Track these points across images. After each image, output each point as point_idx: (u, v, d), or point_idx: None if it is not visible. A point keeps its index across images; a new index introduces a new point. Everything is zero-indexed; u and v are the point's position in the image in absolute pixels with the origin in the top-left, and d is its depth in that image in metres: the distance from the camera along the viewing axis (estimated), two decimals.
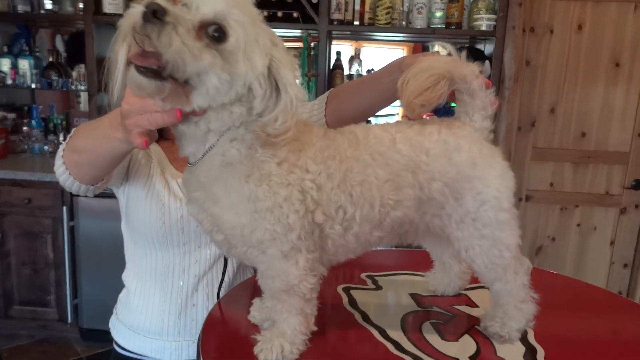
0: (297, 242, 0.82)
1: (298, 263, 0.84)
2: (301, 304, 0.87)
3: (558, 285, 1.28)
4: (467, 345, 0.94)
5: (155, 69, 0.70)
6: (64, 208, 2.86)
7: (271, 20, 2.94)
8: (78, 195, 1.28)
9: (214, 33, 0.72)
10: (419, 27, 2.92)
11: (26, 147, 3.32)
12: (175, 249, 1.23)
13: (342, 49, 3.37)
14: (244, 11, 0.75)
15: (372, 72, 1.20)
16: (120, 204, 1.30)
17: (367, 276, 1.23)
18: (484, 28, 2.87)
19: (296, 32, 3.06)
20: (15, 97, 3.51)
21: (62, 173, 1.07)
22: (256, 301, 1.00)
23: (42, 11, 3.11)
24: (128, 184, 1.24)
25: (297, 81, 0.77)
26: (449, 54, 0.94)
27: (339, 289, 1.15)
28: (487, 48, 3.01)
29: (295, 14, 2.89)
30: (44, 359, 2.92)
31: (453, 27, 2.90)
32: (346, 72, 3.31)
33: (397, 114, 3.27)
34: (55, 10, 3.09)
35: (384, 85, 1.09)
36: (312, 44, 3.01)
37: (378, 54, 6.24)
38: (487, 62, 2.91)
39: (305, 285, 0.85)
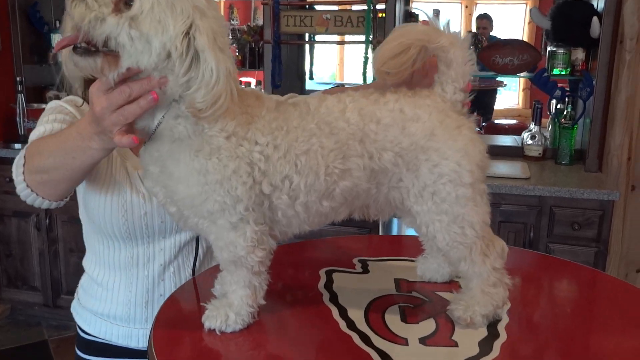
0: (244, 213, 1.04)
1: (246, 234, 1.05)
2: (249, 277, 1.09)
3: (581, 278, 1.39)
4: (425, 327, 1.10)
5: (85, 47, 0.95)
6: None
7: None
8: None
9: (128, 3, 0.94)
10: None
11: None
12: (138, 240, 1.43)
13: (446, 8, 3.48)
14: None
15: None
16: (77, 190, 1.43)
17: (359, 260, 1.41)
18: None
19: None
20: None
21: (29, 195, 1.24)
22: (220, 274, 1.23)
23: None
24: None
25: (222, 50, 0.95)
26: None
27: (322, 271, 1.34)
28: (601, 1, 2.98)
29: None
30: None
31: None
32: None
33: None
34: None
35: None
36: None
37: (498, 11, 6.16)
38: (594, 19, 2.90)
39: (252, 257, 1.06)
